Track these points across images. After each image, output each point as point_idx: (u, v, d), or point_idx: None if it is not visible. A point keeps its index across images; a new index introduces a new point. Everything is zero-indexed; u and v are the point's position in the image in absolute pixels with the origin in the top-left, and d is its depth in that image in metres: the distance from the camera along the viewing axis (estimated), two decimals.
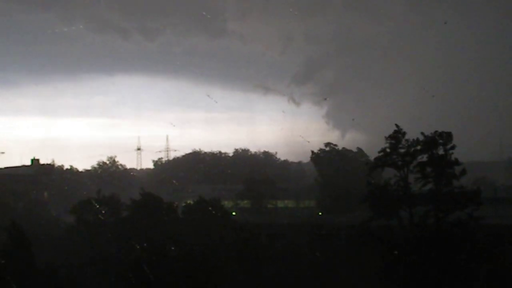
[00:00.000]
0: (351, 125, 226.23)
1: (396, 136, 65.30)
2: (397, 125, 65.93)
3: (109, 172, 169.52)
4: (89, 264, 64.27)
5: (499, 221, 75.56)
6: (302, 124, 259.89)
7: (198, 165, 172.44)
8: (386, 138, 65.72)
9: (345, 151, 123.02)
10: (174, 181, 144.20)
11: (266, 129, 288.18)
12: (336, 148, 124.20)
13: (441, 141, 64.41)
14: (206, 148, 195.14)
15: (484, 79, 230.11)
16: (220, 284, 46.80)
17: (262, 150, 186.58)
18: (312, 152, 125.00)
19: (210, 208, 74.01)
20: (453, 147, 64.37)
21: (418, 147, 64.88)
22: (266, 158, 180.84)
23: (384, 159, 66.62)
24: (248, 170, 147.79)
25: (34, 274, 47.93)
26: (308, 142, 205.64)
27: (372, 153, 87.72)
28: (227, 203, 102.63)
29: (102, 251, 66.38)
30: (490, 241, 61.31)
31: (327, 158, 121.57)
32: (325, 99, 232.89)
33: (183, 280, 40.45)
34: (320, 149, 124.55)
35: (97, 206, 76.89)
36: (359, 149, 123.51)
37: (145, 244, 55.84)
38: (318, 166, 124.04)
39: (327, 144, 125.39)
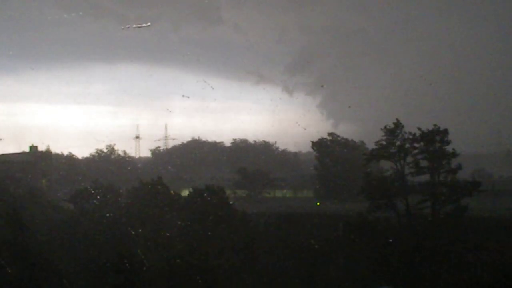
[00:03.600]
0: (344, 115, 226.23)
1: (394, 129, 65.67)
2: (397, 119, 66.32)
3: (108, 160, 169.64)
4: (85, 252, 64.71)
5: (496, 213, 75.87)
6: (296, 114, 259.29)
7: (196, 154, 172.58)
8: (383, 130, 66.09)
9: (346, 141, 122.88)
10: (172, 170, 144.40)
11: (262, 118, 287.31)
12: (339, 138, 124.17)
13: (437, 137, 64.93)
14: (204, 137, 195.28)
15: (483, 70, 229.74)
16: (219, 274, 47.16)
17: (261, 140, 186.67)
18: (313, 142, 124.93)
19: (209, 198, 74.02)
20: (448, 143, 64.82)
21: (415, 141, 65.41)
22: (265, 148, 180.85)
23: (380, 151, 67.08)
24: (246, 160, 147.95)
25: (31, 261, 48.14)
26: (305, 129, 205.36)
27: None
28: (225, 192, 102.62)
29: (99, 239, 66.72)
30: (485, 232, 61.85)
31: (329, 147, 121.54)
32: (322, 86, 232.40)
33: (181, 269, 40.64)
34: (322, 138, 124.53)
35: (95, 195, 76.98)
36: (360, 141, 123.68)
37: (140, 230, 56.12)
38: (319, 155, 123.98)
39: (330, 134, 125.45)
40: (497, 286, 30.56)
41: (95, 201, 76.40)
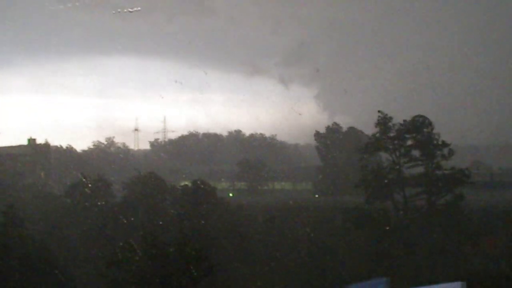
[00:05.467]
0: (341, 107, 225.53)
1: (383, 121, 65.83)
2: (380, 111, 66.56)
3: (108, 152, 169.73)
4: (81, 244, 64.84)
5: (494, 204, 75.94)
6: (292, 105, 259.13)
7: (195, 146, 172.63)
8: (376, 123, 66.30)
9: (348, 132, 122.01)
10: (170, 162, 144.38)
11: (258, 110, 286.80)
12: (341, 128, 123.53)
13: (427, 124, 65.07)
14: (201, 129, 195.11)
15: (480, 61, 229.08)
16: (215, 266, 47.12)
17: (257, 132, 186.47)
18: (317, 131, 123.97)
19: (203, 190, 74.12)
20: (432, 130, 65.01)
21: (405, 131, 65.53)
22: (263, 140, 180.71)
23: (375, 143, 67.30)
24: (244, 152, 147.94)
25: (27, 254, 48.19)
26: (300, 114, 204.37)
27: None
28: (224, 185, 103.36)
29: (96, 233, 66.84)
30: (483, 223, 62.04)
31: (330, 139, 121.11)
32: (318, 70, 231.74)
33: (176, 262, 40.64)
34: (326, 128, 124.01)
35: (89, 189, 76.90)
36: (360, 131, 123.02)
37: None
38: (321, 147, 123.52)
39: (333, 124, 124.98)
40: (492, 277, 30.59)
41: (92, 193, 76.35)
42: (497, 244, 60.38)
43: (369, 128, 73.04)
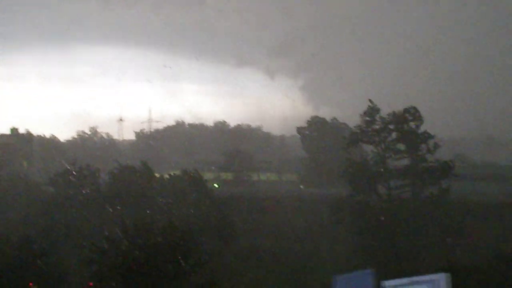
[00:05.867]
0: (325, 99, 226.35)
1: (371, 112, 65.81)
2: (371, 101, 66.39)
3: (92, 142, 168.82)
4: (65, 236, 64.41)
5: (476, 197, 76.51)
6: (278, 97, 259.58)
7: (180, 136, 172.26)
8: (362, 115, 66.21)
9: (332, 124, 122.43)
10: (156, 152, 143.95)
11: (244, 101, 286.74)
12: (324, 121, 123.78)
13: (410, 117, 65.17)
14: (188, 120, 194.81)
15: (464, 55, 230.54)
16: (200, 256, 47.07)
17: (244, 123, 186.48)
18: (300, 126, 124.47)
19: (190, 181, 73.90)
20: (421, 122, 65.15)
21: (391, 123, 65.56)
22: (249, 131, 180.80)
23: (360, 135, 67.30)
24: (230, 142, 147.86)
25: (7, 246, 47.70)
26: (293, 100, 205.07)
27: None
28: (209, 175, 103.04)
29: (79, 223, 66.49)
30: (465, 216, 62.54)
31: (314, 131, 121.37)
32: (313, 55, 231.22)
33: (162, 251, 40.43)
34: (308, 121, 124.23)
35: (74, 177, 76.31)
36: (344, 124, 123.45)
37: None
38: (305, 139, 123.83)
39: (315, 117, 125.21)
40: (475, 268, 30.85)
41: (77, 182, 75.83)
42: (481, 236, 60.96)
43: (353, 120, 73.19)
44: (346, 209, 65.98)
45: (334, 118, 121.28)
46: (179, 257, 40.56)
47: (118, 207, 67.24)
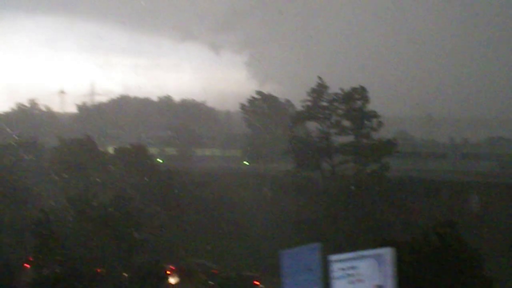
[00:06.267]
0: (270, 75, 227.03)
1: (319, 89, 66.56)
2: (320, 78, 67.10)
3: (31, 115, 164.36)
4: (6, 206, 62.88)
5: (417, 174, 78.60)
6: (223, 72, 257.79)
7: (124, 110, 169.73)
8: (309, 92, 66.89)
9: (274, 101, 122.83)
10: (99, 126, 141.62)
11: (188, 76, 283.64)
12: (268, 97, 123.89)
13: (357, 95, 66.32)
14: (132, 94, 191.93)
15: (406, 34, 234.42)
16: (145, 230, 46.93)
17: (190, 98, 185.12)
18: (241, 103, 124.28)
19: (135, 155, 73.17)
20: (367, 101, 66.40)
21: (338, 102, 66.56)
22: (194, 106, 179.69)
23: (306, 112, 68.00)
24: (175, 117, 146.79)
25: None
26: (237, 75, 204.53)
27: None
28: (154, 150, 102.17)
29: (22, 194, 64.95)
30: (405, 193, 64.36)
31: (257, 107, 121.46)
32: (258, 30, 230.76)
33: (105, 227, 40.00)
34: (252, 97, 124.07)
35: (17, 151, 74.41)
36: (287, 100, 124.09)
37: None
38: (248, 115, 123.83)
39: (258, 93, 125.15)
40: (414, 244, 31.94)
41: (18, 151, 73.83)
42: (421, 212, 62.81)
43: (298, 98, 73.64)
44: (289, 185, 66.82)
45: (279, 95, 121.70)
46: (131, 229, 40.34)
47: (61, 179, 66.11)
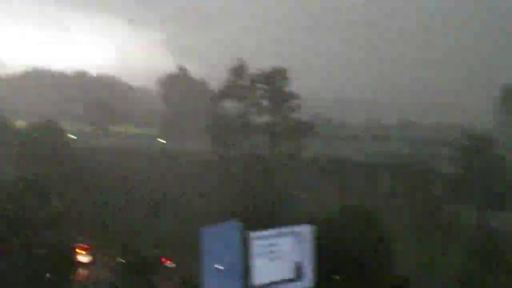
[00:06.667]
0: (188, 54, 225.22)
1: (239, 69, 66.65)
2: (239, 59, 67.26)
3: None
4: None
5: (332, 155, 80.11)
6: (141, 49, 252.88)
7: (37, 84, 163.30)
8: (229, 71, 66.87)
9: (192, 79, 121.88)
10: (9, 100, 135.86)
11: (106, 51, 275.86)
12: (185, 75, 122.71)
13: (277, 76, 66.91)
14: (44, 67, 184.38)
15: (319, 15, 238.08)
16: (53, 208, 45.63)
17: (106, 73, 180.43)
18: (159, 78, 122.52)
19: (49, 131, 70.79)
20: (287, 82, 67.16)
21: (258, 82, 66.95)
22: (110, 82, 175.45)
23: (226, 91, 67.94)
24: (90, 93, 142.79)
25: None
26: (155, 52, 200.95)
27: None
28: (67, 126, 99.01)
29: None
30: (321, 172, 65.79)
31: (175, 85, 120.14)
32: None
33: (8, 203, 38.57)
34: (169, 74, 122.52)
35: None
36: (205, 79, 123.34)
37: None
38: (165, 93, 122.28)
39: (176, 71, 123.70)
40: (331, 223, 32.76)
41: None
42: (335, 192, 64.30)
43: (216, 77, 73.32)
44: (206, 163, 66.65)
45: (197, 74, 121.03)
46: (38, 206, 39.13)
47: None
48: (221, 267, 13.44)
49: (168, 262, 52.41)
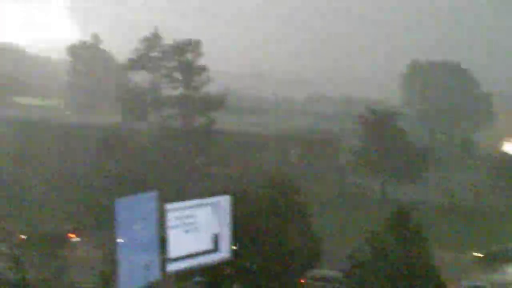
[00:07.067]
0: (96, 22, 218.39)
1: (152, 39, 65.42)
2: (155, 29, 65.95)
3: None
4: None
5: (242, 129, 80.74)
6: (45, 16, 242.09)
7: None
8: (141, 41, 65.46)
9: (100, 49, 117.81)
10: None
11: (9, 19, 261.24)
12: (91, 45, 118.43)
13: (190, 48, 66.28)
14: None
15: None
16: None
17: (8, 42, 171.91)
18: (68, 47, 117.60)
19: None
20: (200, 55, 66.70)
21: (170, 53, 66.00)
22: (13, 51, 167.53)
23: (137, 62, 66.52)
24: None
25: None
26: (60, 20, 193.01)
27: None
28: None
29: None
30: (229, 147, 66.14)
31: (80, 55, 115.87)
32: None
33: None
34: (75, 44, 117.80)
35: None
36: (114, 49, 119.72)
37: None
38: (74, 62, 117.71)
39: (82, 41, 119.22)
40: (247, 195, 33.11)
41: None
42: (248, 164, 64.94)
43: (126, 47, 71.46)
44: (115, 136, 65.22)
45: (105, 43, 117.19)
46: None
47: None
48: (136, 239, 13.31)
49: (73, 235, 51.20)
